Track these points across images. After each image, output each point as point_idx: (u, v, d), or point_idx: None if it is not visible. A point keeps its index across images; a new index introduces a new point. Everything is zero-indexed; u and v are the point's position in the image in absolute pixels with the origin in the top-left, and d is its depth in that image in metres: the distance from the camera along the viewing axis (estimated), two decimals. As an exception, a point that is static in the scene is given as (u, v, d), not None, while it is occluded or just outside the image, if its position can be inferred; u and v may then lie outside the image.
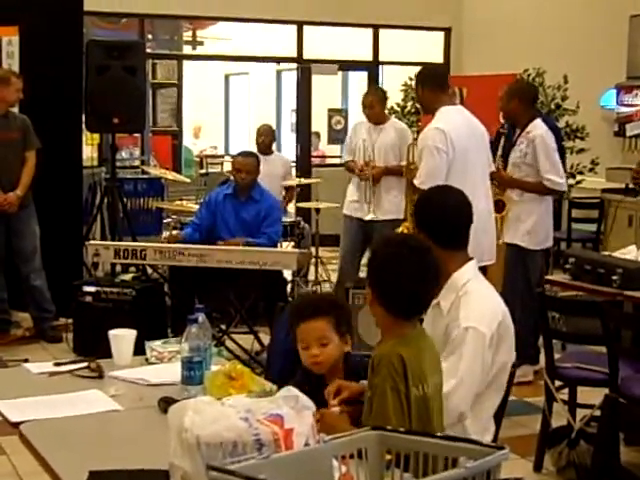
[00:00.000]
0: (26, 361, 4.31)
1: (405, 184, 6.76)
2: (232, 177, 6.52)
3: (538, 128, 5.78)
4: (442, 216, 3.13)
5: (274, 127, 9.09)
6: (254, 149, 8.36)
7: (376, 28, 11.78)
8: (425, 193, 3.54)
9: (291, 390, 2.19)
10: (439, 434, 2.03)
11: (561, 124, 9.03)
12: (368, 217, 6.78)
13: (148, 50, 11.42)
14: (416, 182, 4.92)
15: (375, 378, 2.51)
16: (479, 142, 5.10)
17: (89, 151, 8.60)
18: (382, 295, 2.59)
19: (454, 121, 4.98)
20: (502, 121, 6.39)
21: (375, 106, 6.93)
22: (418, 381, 2.50)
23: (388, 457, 2.01)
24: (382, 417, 2.44)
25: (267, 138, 8.36)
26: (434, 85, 5.09)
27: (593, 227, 8.91)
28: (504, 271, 5.73)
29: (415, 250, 2.59)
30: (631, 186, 8.48)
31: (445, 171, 4.81)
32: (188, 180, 9.18)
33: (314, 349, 2.82)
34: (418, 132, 9.11)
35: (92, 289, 6.11)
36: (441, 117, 4.98)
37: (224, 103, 18.04)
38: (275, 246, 6.28)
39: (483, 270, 4.83)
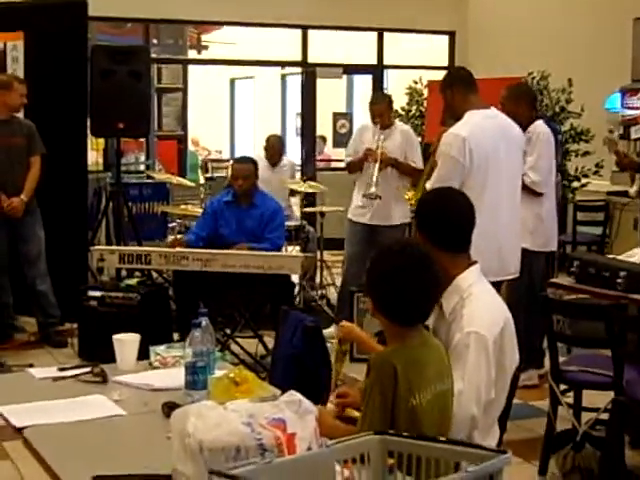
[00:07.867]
0: (31, 366, 4.29)
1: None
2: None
3: (541, 127, 5.84)
4: (444, 219, 3.08)
5: (279, 132, 9.10)
6: (261, 154, 8.38)
7: (380, 32, 11.78)
8: (426, 196, 3.49)
9: (294, 395, 2.19)
10: (441, 438, 2.03)
11: (566, 127, 9.04)
12: (373, 222, 6.76)
13: (153, 55, 11.45)
14: (427, 186, 4.74)
15: (367, 379, 2.52)
16: (509, 149, 4.78)
17: (94, 156, 8.61)
18: (382, 306, 2.61)
19: (479, 127, 4.66)
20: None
21: (384, 114, 6.87)
22: (411, 391, 2.47)
23: (390, 461, 2.01)
24: (367, 418, 2.45)
25: (276, 148, 8.36)
26: (464, 86, 4.79)
27: (598, 230, 8.91)
28: None
29: (414, 260, 2.57)
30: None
31: (458, 181, 4.53)
32: (192, 184, 9.18)
33: None
34: (421, 135, 9.14)
35: (97, 294, 6.11)
36: (465, 122, 4.68)
37: (229, 107, 18.06)
38: (279, 251, 6.23)
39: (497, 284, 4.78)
